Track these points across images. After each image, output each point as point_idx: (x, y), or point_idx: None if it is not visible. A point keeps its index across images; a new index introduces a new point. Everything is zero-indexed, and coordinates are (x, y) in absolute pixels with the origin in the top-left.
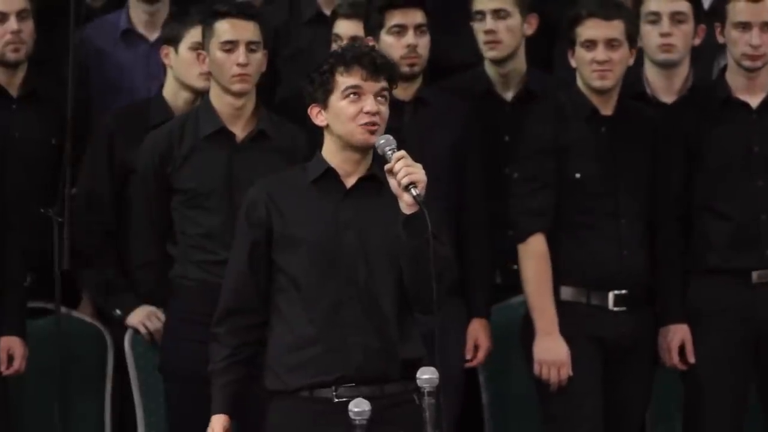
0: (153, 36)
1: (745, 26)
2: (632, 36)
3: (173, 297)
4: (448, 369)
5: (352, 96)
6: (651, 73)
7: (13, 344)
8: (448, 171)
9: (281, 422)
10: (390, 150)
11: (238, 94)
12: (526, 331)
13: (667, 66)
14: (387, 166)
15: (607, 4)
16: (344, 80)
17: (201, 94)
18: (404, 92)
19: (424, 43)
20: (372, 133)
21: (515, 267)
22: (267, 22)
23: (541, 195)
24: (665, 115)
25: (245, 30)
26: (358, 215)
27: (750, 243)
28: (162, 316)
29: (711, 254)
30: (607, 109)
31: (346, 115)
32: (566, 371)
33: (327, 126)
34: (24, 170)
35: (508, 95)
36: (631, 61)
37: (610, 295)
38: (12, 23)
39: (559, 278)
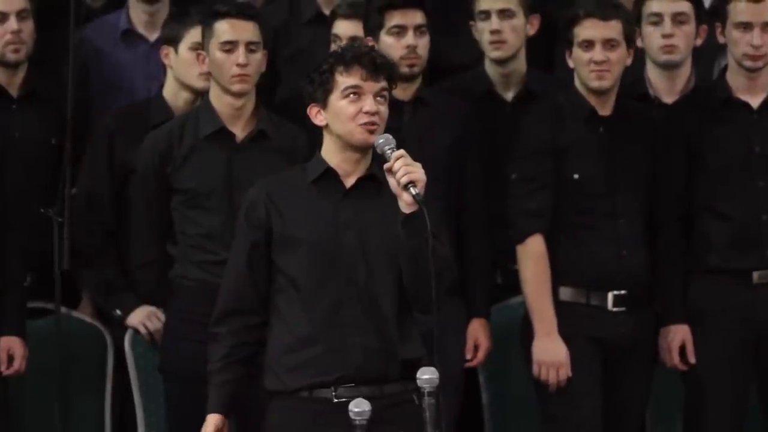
0: (153, 36)
1: (746, 26)
2: (630, 36)
3: (173, 297)
4: (448, 369)
5: (351, 96)
6: (653, 74)
7: (14, 344)
8: (448, 171)
9: (281, 422)
10: (389, 149)
11: (237, 95)
12: (525, 331)
13: (669, 67)
14: (386, 166)
15: (604, 5)
16: (344, 80)
17: (201, 94)
18: (404, 92)
19: (423, 44)
20: (371, 132)
21: (515, 267)
22: (266, 22)
23: (539, 196)
24: (666, 115)
25: (245, 30)
26: (358, 215)
27: (750, 243)
28: (162, 317)
29: (711, 254)
30: (605, 110)
31: (346, 114)
32: (565, 372)
33: (326, 126)
34: (24, 170)
35: (509, 95)
36: (629, 61)
37: (610, 296)
38: (12, 23)
39: (557, 278)
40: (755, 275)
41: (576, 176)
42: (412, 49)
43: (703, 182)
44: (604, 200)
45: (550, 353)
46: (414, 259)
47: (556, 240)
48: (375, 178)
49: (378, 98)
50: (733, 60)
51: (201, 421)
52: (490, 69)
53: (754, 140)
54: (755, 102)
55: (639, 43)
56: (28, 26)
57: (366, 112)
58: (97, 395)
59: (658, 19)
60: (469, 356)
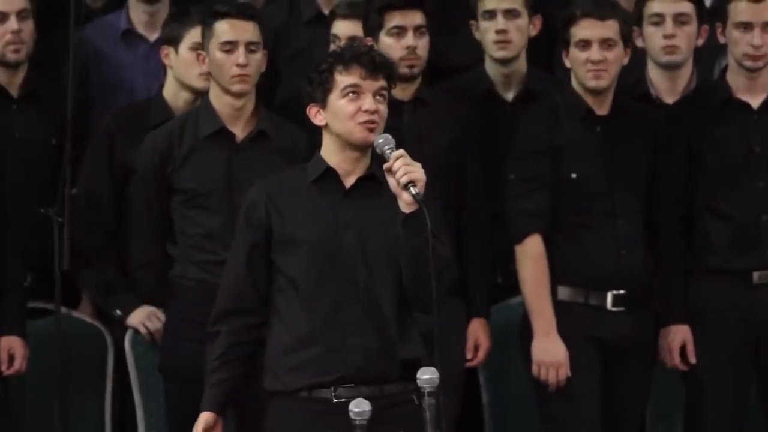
0: (153, 36)
1: (747, 26)
2: (626, 35)
3: (173, 297)
4: (448, 369)
5: (351, 95)
6: (654, 74)
7: (14, 344)
8: (447, 171)
9: (280, 423)
10: (389, 149)
11: (237, 95)
12: (524, 331)
13: (670, 67)
14: (386, 165)
15: (601, 4)
16: (343, 79)
17: (201, 95)
18: (403, 92)
19: (423, 44)
20: (371, 131)
21: (515, 267)
22: (266, 22)
23: (538, 196)
24: (666, 115)
25: (245, 30)
26: (358, 215)
27: (751, 243)
28: (162, 317)
29: (712, 255)
30: (602, 109)
31: (345, 113)
32: (564, 372)
33: (326, 125)
34: (24, 170)
35: (509, 95)
36: (626, 61)
37: (609, 295)
38: (12, 23)
39: (556, 278)
40: (755, 275)
41: (574, 176)
42: (411, 49)
43: (703, 182)
44: (602, 200)
45: (550, 353)
46: (414, 259)
47: (555, 240)
48: (375, 178)
49: (377, 97)
50: (734, 60)
51: None
52: (491, 69)
53: (754, 140)
54: (755, 102)
55: (640, 43)
56: (29, 26)
57: (365, 111)
58: (97, 395)
59: (659, 19)
60: (469, 356)
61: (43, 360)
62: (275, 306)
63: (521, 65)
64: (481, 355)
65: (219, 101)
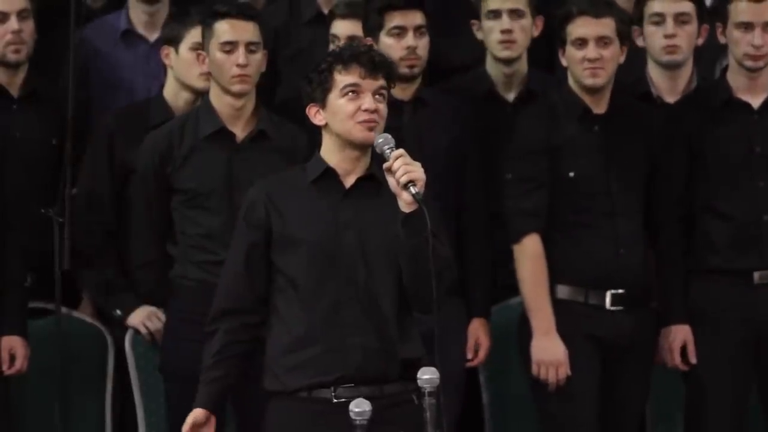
0: (153, 36)
1: (747, 26)
2: (623, 33)
3: (173, 297)
4: (448, 369)
5: (350, 94)
6: (655, 74)
7: (15, 344)
8: (447, 171)
9: (280, 423)
10: (388, 149)
11: (237, 95)
12: (522, 331)
13: (671, 67)
14: (386, 165)
15: (597, 2)
16: (342, 78)
17: (201, 95)
18: (403, 92)
19: (423, 45)
20: (371, 130)
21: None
22: (266, 22)
23: (535, 195)
24: (667, 115)
25: (245, 31)
26: (358, 215)
27: (751, 243)
28: (162, 317)
29: (712, 255)
30: (599, 108)
31: (345, 112)
32: (564, 371)
33: (326, 125)
34: (24, 170)
35: (510, 96)
36: (622, 59)
37: (608, 295)
38: (13, 23)
39: (555, 277)
40: (756, 275)
41: (571, 174)
42: (412, 49)
43: (703, 182)
44: (601, 199)
45: (549, 352)
46: (414, 259)
47: (554, 239)
48: (374, 178)
49: (377, 96)
50: (734, 60)
51: None
52: (493, 69)
53: (754, 140)
54: (756, 102)
55: (640, 42)
56: (29, 26)
57: (365, 110)
58: (98, 395)
59: (660, 19)
60: (469, 356)
61: (43, 360)
62: (275, 306)
63: (522, 65)
64: (481, 355)
65: (219, 101)
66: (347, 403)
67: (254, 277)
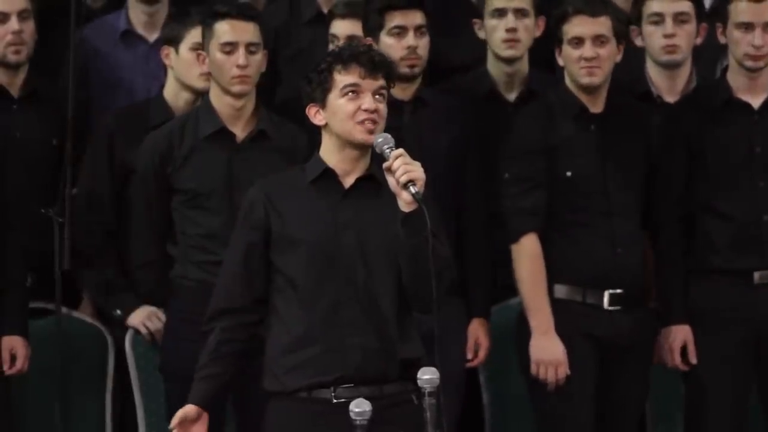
0: (152, 37)
1: (748, 26)
2: (619, 32)
3: (173, 297)
4: (448, 369)
5: (350, 94)
6: (654, 73)
7: (16, 344)
8: (447, 171)
9: (280, 423)
10: (388, 148)
11: (237, 95)
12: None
13: (670, 66)
14: (385, 164)
15: (593, 1)
16: (342, 78)
17: (201, 95)
18: (404, 92)
19: (424, 44)
20: (371, 132)
21: None
22: (267, 22)
23: (533, 195)
24: (667, 115)
25: (245, 31)
26: (357, 215)
27: (752, 243)
28: (162, 317)
29: (713, 255)
30: (596, 107)
31: (345, 112)
32: (563, 370)
33: (325, 125)
34: (25, 170)
35: (511, 96)
36: (619, 58)
37: (606, 294)
38: (13, 23)
39: (552, 276)
40: (756, 275)
41: (569, 174)
42: (412, 49)
43: (704, 182)
44: (598, 198)
45: (548, 351)
46: (414, 258)
47: (551, 238)
48: (374, 178)
49: (377, 96)
50: (734, 60)
51: None
52: (494, 69)
53: (755, 140)
54: (756, 102)
55: (639, 42)
56: (29, 27)
57: (365, 110)
58: (98, 395)
59: (659, 18)
60: (470, 356)
61: (43, 360)
62: (274, 306)
63: (524, 65)
64: (481, 355)
65: (219, 101)
66: (347, 404)
67: (252, 277)
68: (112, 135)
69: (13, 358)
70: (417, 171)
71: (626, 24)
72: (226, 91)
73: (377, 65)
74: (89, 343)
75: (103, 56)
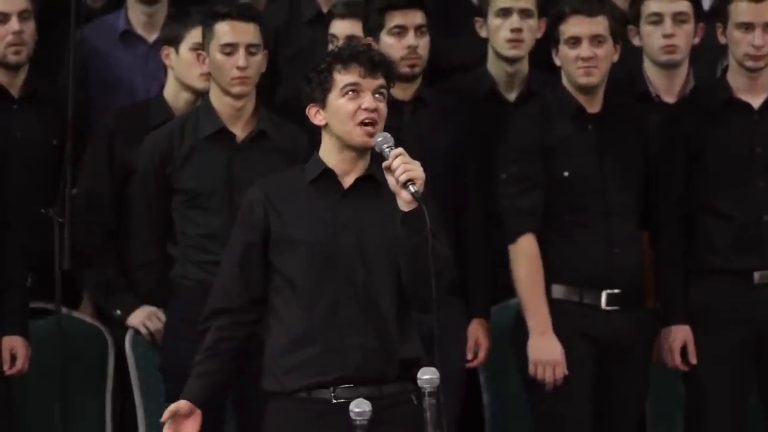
0: (151, 37)
1: (748, 27)
2: (616, 32)
3: (173, 297)
4: (448, 369)
5: (350, 93)
6: (652, 73)
7: (16, 344)
8: (447, 171)
9: (280, 423)
10: (387, 147)
11: (237, 96)
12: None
13: (669, 66)
14: (385, 164)
15: (590, 1)
16: (342, 78)
17: (201, 95)
18: (404, 92)
19: (424, 44)
20: (370, 135)
21: None
22: (267, 22)
23: (531, 195)
24: (667, 115)
25: (245, 33)
26: (357, 215)
27: (752, 244)
28: (163, 317)
29: (713, 255)
30: (593, 107)
31: (345, 112)
32: (561, 370)
33: (325, 125)
34: (25, 171)
35: (512, 96)
36: (616, 58)
37: (603, 294)
38: (14, 24)
39: (550, 276)
40: (756, 275)
41: (566, 174)
42: (412, 49)
43: (703, 182)
44: (596, 198)
45: (546, 352)
46: (413, 258)
47: (549, 238)
48: (373, 178)
49: (376, 95)
50: (734, 60)
51: (201, 421)
52: (495, 68)
53: (755, 140)
54: (756, 102)
55: (636, 42)
56: (30, 27)
57: (365, 109)
58: (98, 395)
59: (658, 18)
60: (469, 356)
61: (43, 360)
62: (273, 306)
63: (524, 65)
64: (481, 355)
65: (219, 101)
66: (347, 404)
67: (250, 277)
68: (112, 135)
69: (13, 358)
70: (416, 170)
71: (623, 23)
72: (226, 92)
73: (377, 64)
74: (89, 343)
75: (102, 56)
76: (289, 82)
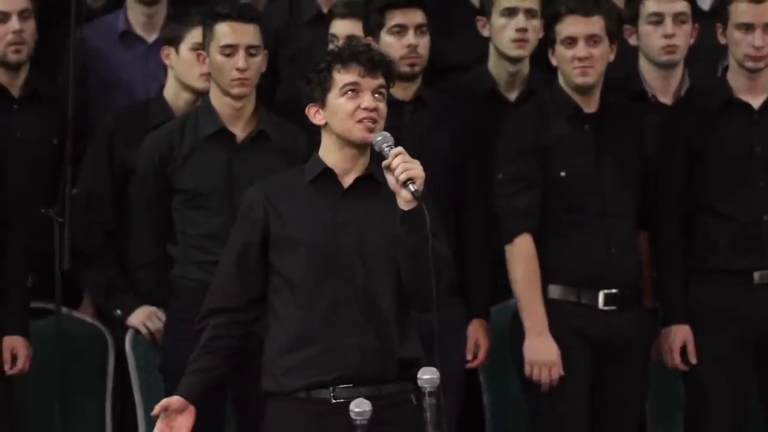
0: (151, 37)
1: (748, 27)
2: (612, 31)
3: (173, 297)
4: (448, 368)
5: (350, 93)
6: (648, 73)
7: (17, 344)
8: (447, 171)
9: (279, 423)
10: (387, 146)
11: (237, 97)
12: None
13: (666, 66)
14: (384, 163)
15: (586, 1)
16: (342, 77)
17: (201, 95)
18: (404, 92)
19: (424, 43)
20: (370, 130)
21: None
22: (267, 23)
23: (527, 195)
24: (667, 115)
25: (245, 34)
26: (356, 215)
27: (752, 244)
28: (163, 317)
29: (713, 255)
30: (590, 107)
31: (345, 111)
32: (557, 371)
33: (325, 125)
34: (25, 170)
35: (512, 95)
36: (612, 57)
37: (600, 294)
38: (14, 23)
39: (547, 277)
40: (756, 275)
41: (563, 174)
42: (413, 48)
43: (704, 182)
44: (593, 198)
45: (542, 353)
46: (413, 257)
47: (546, 238)
48: (373, 177)
49: (376, 95)
50: (734, 61)
51: (201, 421)
52: (497, 68)
53: (755, 141)
54: (756, 103)
55: (633, 41)
56: (30, 26)
57: (365, 108)
58: (98, 395)
59: (658, 18)
60: (469, 356)
61: (44, 360)
62: (272, 306)
63: (525, 65)
64: (481, 355)
65: (219, 102)
66: (346, 404)
67: (247, 277)
68: (112, 135)
69: (14, 358)
70: (416, 169)
71: (619, 23)
72: (226, 92)
73: (376, 64)
74: (89, 343)
75: (101, 56)
76: (289, 83)
